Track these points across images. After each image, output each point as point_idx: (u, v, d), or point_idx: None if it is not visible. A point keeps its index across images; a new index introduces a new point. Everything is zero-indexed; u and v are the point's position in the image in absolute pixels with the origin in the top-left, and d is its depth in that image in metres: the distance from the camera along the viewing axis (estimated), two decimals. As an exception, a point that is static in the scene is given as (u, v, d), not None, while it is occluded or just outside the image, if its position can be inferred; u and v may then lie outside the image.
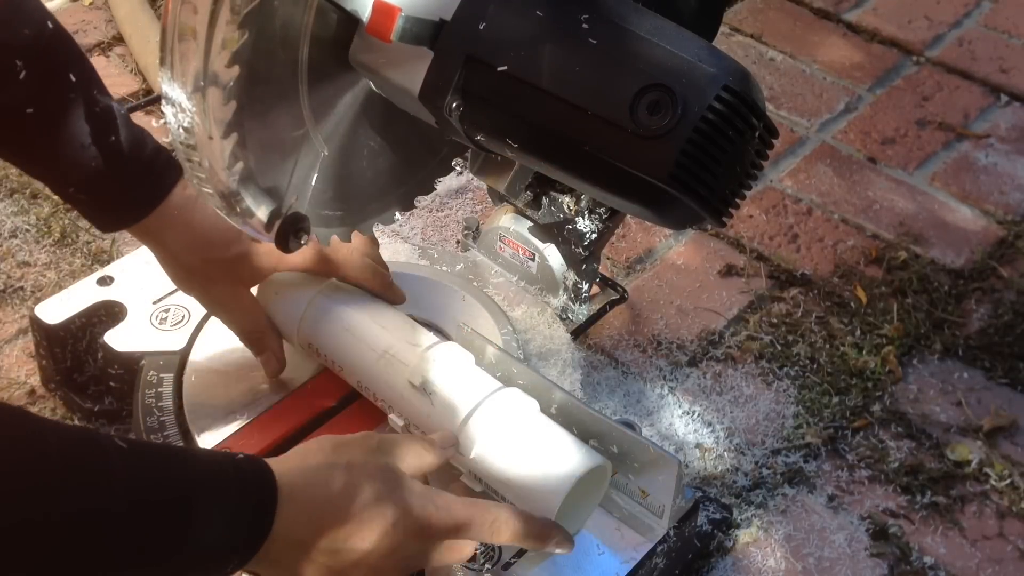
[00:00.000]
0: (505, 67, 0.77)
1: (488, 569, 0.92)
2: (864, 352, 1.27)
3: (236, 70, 0.77)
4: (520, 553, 0.93)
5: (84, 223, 1.38)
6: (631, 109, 0.75)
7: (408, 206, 1.04)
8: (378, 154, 0.96)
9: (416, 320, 1.05)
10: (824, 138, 1.60)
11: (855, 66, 1.73)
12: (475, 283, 1.19)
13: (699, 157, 0.75)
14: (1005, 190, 1.52)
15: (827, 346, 1.28)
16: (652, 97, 0.75)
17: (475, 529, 0.85)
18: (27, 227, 1.37)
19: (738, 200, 0.81)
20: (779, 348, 1.28)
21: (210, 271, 1.00)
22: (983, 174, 1.54)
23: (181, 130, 0.81)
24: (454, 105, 0.81)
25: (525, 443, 0.93)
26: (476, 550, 0.92)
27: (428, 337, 1.01)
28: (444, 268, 1.20)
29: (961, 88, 1.69)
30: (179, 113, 0.81)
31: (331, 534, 0.79)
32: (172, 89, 0.80)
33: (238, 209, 0.86)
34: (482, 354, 1.02)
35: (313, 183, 0.90)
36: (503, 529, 0.86)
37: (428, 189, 1.05)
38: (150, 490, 0.71)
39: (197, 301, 1.04)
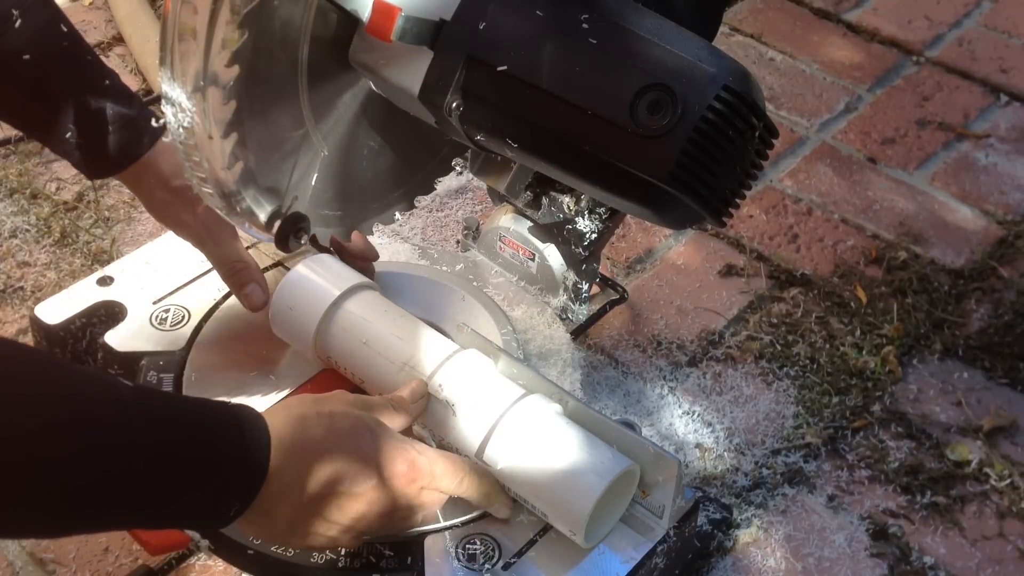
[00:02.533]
0: (505, 67, 0.77)
1: (488, 569, 0.92)
2: (864, 352, 1.27)
3: (236, 70, 0.77)
4: (520, 553, 0.93)
5: (84, 223, 1.38)
6: (631, 109, 0.75)
7: (408, 206, 1.04)
8: (378, 154, 0.96)
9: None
10: (824, 138, 1.60)
11: (855, 66, 1.73)
12: (475, 283, 1.19)
13: (699, 157, 0.75)
14: (1005, 190, 1.52)
15: (827, 346, 1.28)
16: (652, 97, 0.75)
17: (448, 479, 0.89)
18: (27, 227, 1.37)
19: (738, 200, 0.81)
20: (779, 348, 1.28)
21: (186, 196, 1.00)
22: (983, 174, 1.54)
23: (181, 130, 0.82)
24: (454, 105, 0.81)
25: (552, 451, 0.92)
26: (475, 549, 0.93)
27: (447, 346, 1.00)
28: (444, 268, 1.20)
29: (961, 88, 1.69)
30: (179, 113, 0.81)
31: (319, 478, 0.80)
32: (172, 89, 0.80)
33: (238, 209, 0.86)
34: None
35: (313, 183, 0.90)
36: (468, 484, 0.90)
37: (428, 189, 1.05)
38: (160, 440, 0.73)
39: (181, 236, 1.05)
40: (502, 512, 0.94)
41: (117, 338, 1.08)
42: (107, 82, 0.97)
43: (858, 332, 1.30)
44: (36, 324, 1.11)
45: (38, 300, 1.17)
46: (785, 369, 1.26)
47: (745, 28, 1.80)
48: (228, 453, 0.77)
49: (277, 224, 0.88)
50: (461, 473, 0.90)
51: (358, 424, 0.85)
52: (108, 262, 1.29)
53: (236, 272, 1.04)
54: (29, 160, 1.46)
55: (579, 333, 1.22)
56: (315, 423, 0.82)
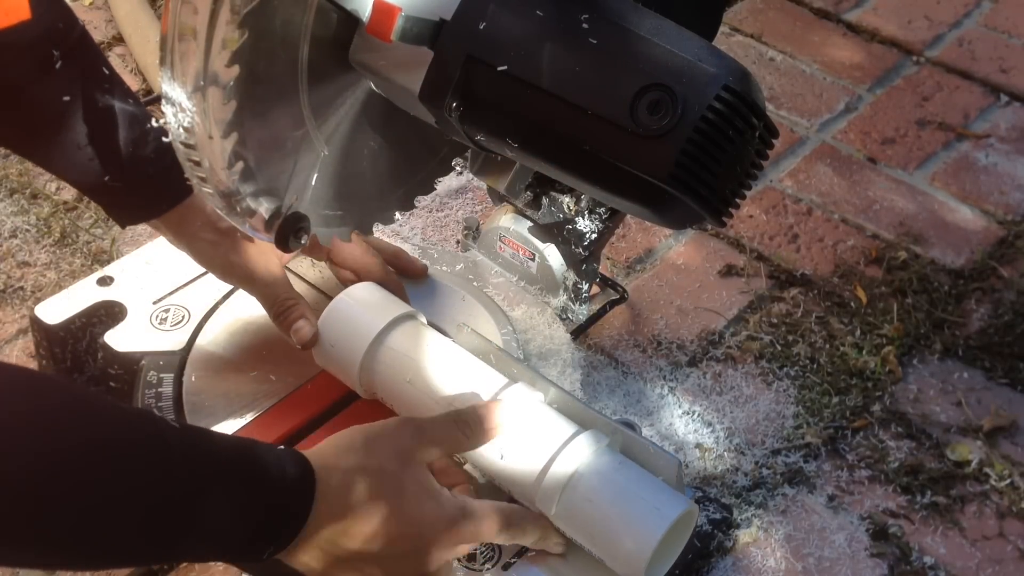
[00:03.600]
0: (505, 67, 0.77)
1: (488, 569, 0.92)
2: (864, 352, 1.27)
3: (236, 70, 0.77)
4: (520, 553, 0.93)
5: (84, 223, 1.38)
6: (631, 109, 0.75)
7: (408, 206, 1.04)
8: (378, 154, 0.96)
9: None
10: (824, 138, 1.60)
11: (855, 66, 1.73)
12: (475, 283, 1.19)
13: (699, 157, 0.75)
14: (1005, 190, 1.52)
15: (827, 346, 1.28)
16: (652, 97, 0.75)
17: (492, 535, 0.88)
18: (27, 227, 1.37)
19: (738, 200, 0.81)
20: (779, 348, 1.28)
21: (234, 236, 1.00)
22: (983, 174, 1.54)
23: (181, 130, 0.82)
24: (454, 105, 0.81)
25: (607, 495, 0.90)
26: (476, 549, 0.93)
27: (494, 381, 0.98)
28: (444, 268, 1.20)
29: (961, 88, 1.69)
30: (179, 113, 0.81)
31: (359, 538, 0.81)
32: (172, 89, 0.80)
33: (238, 209, 0.86)
34: (486, 356, 1.02)
35: (313, 183, 0.90)
36: (514, 536, 0.90)
37: (428, 189, 1.05)
38: (203, 477, 0.74)
39: (223, 279, 1.05)
40: (556, 548, 0.93)
41: (117, 338, 1.08)
42: (148, 125, 0.95)
43: (858, 332, 1.30)
44: (36, 324, 1.11)
45: (38, 300, 1.17)
46: (785, 369, 1.26)
47: (745, 28, 1.80)
48: (269, 500, 0.77)
49: (277, 224, 0.88)
50: (507, 530, 0.89)
51: (405, 487, 0.84)
52: (108, 262, 1.29)
53: (286, 310, 1.02)
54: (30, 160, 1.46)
55: (579, 333, 1.22)
56: (362, 481, 0.82)
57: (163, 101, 0.82)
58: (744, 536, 1.10)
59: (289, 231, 0.88)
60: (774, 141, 0.80)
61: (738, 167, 0.78)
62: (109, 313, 1.11)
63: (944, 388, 1.25)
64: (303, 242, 0.90)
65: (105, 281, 1.14)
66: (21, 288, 1.30)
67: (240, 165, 0.82)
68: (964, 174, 1.54)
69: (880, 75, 1.71)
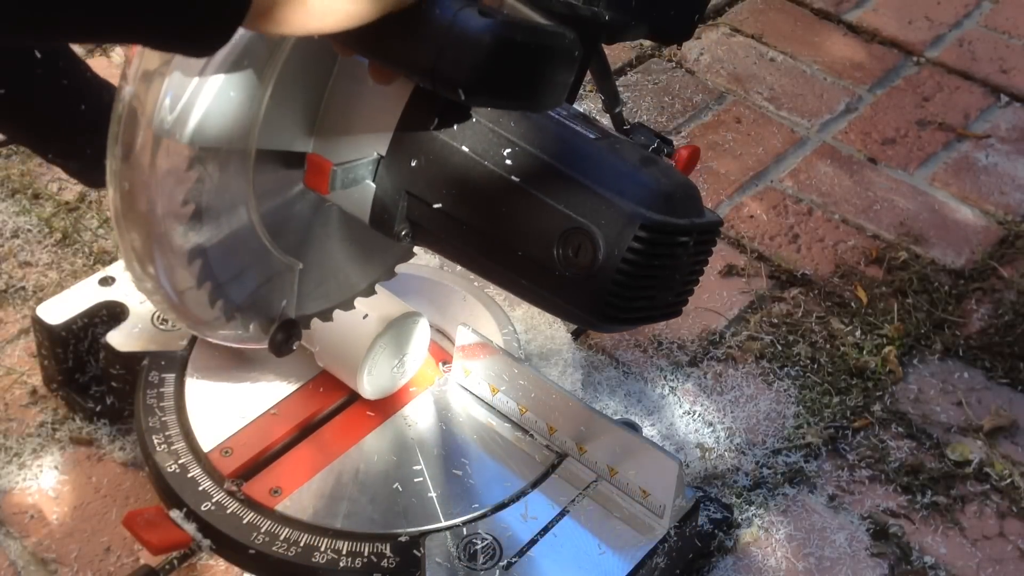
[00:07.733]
0: (440, 205, 0.77)
1: (488, 569, 0.92)
2: (864, 352, 1.28)
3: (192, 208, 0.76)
4: (520, 553, 0.93)
5: (86, 223, 1.38)
6: (556, 251, 0.74)
7: (390, 275, 1.02)
8: (350, 249, 0.94)
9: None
10: (824, 138, 1.60)
11: (855, 66, 1.73)
12: (476, 283, 1.19)
13: (628, 292, 0.73)
14: (1005, 190, 1.52)
15: (827, 346, 1.28)
16: (574, 240, 0.73)
17: None
18: (29, 227, 1.37)
19: (687, 297, 0.80)
20: (780, 348, 1.28)
21: None
22: (983, 174, 1.55)
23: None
24: (403, 232, 0.80)
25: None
26: (476, 547, 0.93)
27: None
28: (445, 268, 1.21)
29: (961, 88, 1.69)
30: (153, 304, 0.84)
31: None
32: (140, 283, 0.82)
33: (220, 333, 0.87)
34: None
35: (295, 290, 0.89)
36: None
37: (408, 257, 1.03)
38: None
39: None
40: None
41: (119, 338, 1.08)
42: (85, 104, 0.94)
43: (859, 332, 1.30)
44: (38, 324, 1.11)
45: (40, 300, 1.17)
46: (786, 369, 1.26)
47: (746, 29, 1.80)
48: None
49: (270, 333, 0.88)
50: None
51: None
52: (110, 262, 1.29)
53: None
54: (31, 160, 1.46)
55: (580, 333, 1.22)
56: None
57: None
58: (745, 536, 1.10)
59: (282, 339, 0.88)
60: (719, 231, 0.79)
61: (672, 282, 0.77)
62: (111, 313, 1.11)
63: (944, 388, 1.25)
64: (294, 348, 0.90)
65: (107, 281, 1.14)
66: (23, 288, 1.30)
67: (220, 303, 0.82)
68: (964, 174, 1.54)
69: (880, 75, 1.72)
